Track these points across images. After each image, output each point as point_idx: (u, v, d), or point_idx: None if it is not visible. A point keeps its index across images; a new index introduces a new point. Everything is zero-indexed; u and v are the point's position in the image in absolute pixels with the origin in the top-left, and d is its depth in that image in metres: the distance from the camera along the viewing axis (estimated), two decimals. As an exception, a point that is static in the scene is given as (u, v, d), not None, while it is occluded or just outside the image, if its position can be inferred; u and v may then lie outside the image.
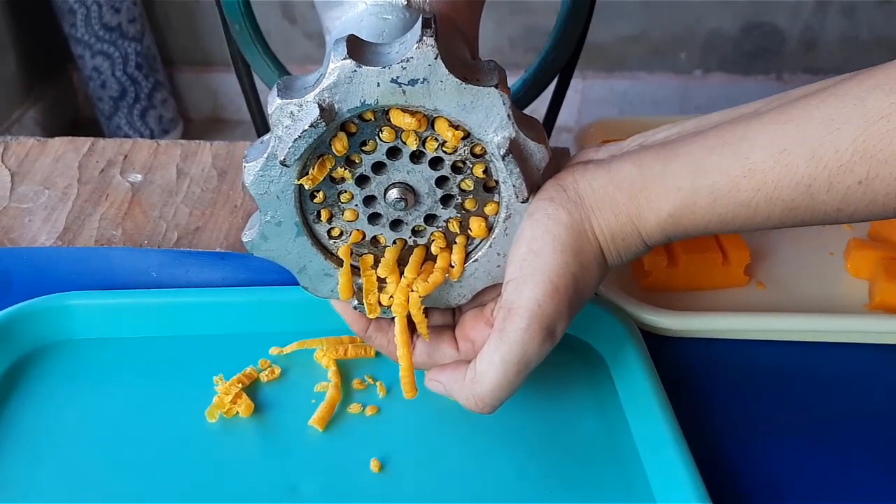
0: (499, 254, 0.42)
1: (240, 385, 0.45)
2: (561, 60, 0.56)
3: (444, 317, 0.45)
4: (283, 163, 0.39)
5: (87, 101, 2.05)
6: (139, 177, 0.64)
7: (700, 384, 0.47)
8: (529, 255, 0.38)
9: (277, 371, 0.47)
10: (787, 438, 0.44)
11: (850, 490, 0.42)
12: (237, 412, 0.44)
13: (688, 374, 0.48)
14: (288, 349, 0.48)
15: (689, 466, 0.40)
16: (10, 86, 1.90)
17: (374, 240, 0.44)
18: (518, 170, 0.39)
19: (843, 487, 0.42)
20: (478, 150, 0.41)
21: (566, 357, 0.48)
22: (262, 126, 0.85)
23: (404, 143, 0.40)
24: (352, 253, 0.44)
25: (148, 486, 0.40)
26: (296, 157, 0.39)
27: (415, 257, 0.43)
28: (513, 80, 0.50)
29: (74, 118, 2.12)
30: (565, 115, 1.15)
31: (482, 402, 0.39)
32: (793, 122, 0.34)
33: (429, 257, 0.44)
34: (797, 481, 0.42)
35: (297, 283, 0.44)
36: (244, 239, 0.42)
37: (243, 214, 0.60)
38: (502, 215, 0.42)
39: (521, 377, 0.39)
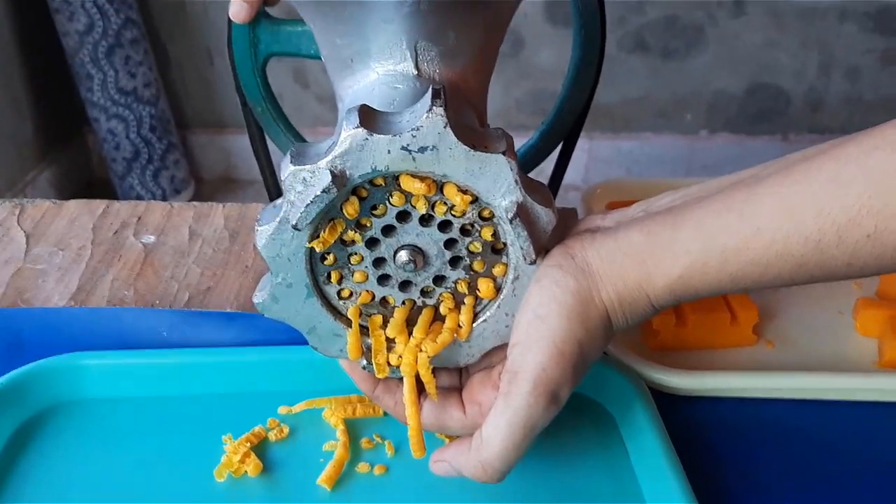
0: (507, 314, 0.43)
1: (248, 444, 0.45)
2: (567, 125, 0.57)
3: (452, 378, 0.45)
4: (294, 227, 0.40)
5: (101, 163, 2.08)
6: (152, 238, 0.65)
7: (710, 442, 0.47)
8: (536, 321, 0.39)
9: (286, 430, 0.47)
10: (797, 496, 0.44)
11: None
12: (245, 471, 0.44)
13: (698, 432, 0.47)
14: (297, 408, 0.48)
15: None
16: (27, 148, 1.94)
17: (384, 300, 0.44)
18: (525, 233, 0.40)
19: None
20: (486, 213, 0.41)
21: (575, 417, 0.48)
22: (273, 187, 0.86)
23: (414, 207, 0.41)
24: (361, 313, 0.44)
25: (155, 547, 0.40)
26: (307, 222, 0.40)
27: (423, 318, 0.44)
28: (520, 143, 0.51)
29: (89, 179, 2.15)
30: (572, 174, 1.16)
31: (490, 468, 0.39)
32: (798, 183, 0.35)
33: (437, 318, 0.44)
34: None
35: (306, 343, 0.45)
36: (255, 300, 0.43)
37: (254, 274, 0.61)
38: (510, 276, 0.42)
39: (528, 441, 0.39)
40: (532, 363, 0.38)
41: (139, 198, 2.03)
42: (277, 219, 0.40)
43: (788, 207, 0.35)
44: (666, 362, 0.50)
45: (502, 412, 0.39)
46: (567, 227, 0.42)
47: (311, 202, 0.39)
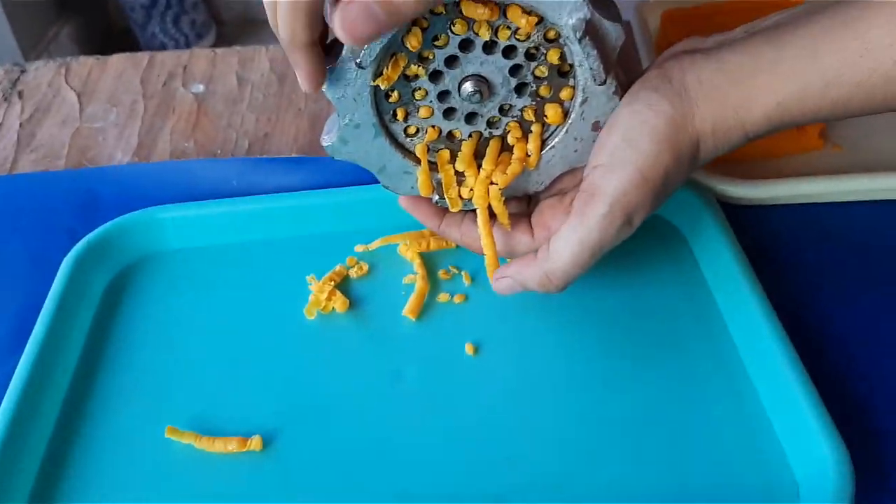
0: (576, 139, 0.43)
1: (332, 283, 0.47)
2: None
3: (520, 205, 0.46)
4: (358, 65, 0.39)
5: (120, 12, 2.04)
6: (201, 87, 0.65)
7: (782, 251, 0.47)
8: (623, 144, 0.38)
9: (365, 267, 0.49)
10: (873, 299, 0.45)
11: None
12: (333, 308, 0.46)
13: (769, 242, 0.48)
14: (373, 246, 0.49)
15: (778, 333, 0.41)
16: (43, 5, 1.90)
17: (450, 135, 0.44)
18: (595, 52, 0.39)
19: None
20: (551, 34, 0.40)
21: (645, 234, 0.49)
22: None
23: (476, 35, 0.40)
24: (428, 149, 0.44)
25: (259, 379, 0.43)
26: (371, 59, 0.39)
27: (491, 149, 0.44)
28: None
29: (109, 31, 2.11)
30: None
31: (554, 278, 0.40)
32: None
33: (505, 148, 0.44)
34: (886, 334, 0.43)
35: (374, 182, 0.45)
36: (324, 143, 0.43)
37: (308, 117, 0.61)
38: (578, 100, 0.42)
39: (594, 259, 0.40)
40: (613, 186, 0.38)
41: (162, 46, 2.00)
42: (340, 59, 0.40)
43: None
44: (733, 173, 0.50)
45: (574, 229, 0.39)
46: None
47: None
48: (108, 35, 2.11)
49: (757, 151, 0.51)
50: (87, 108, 0.64)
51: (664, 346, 0.43)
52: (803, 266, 0.47)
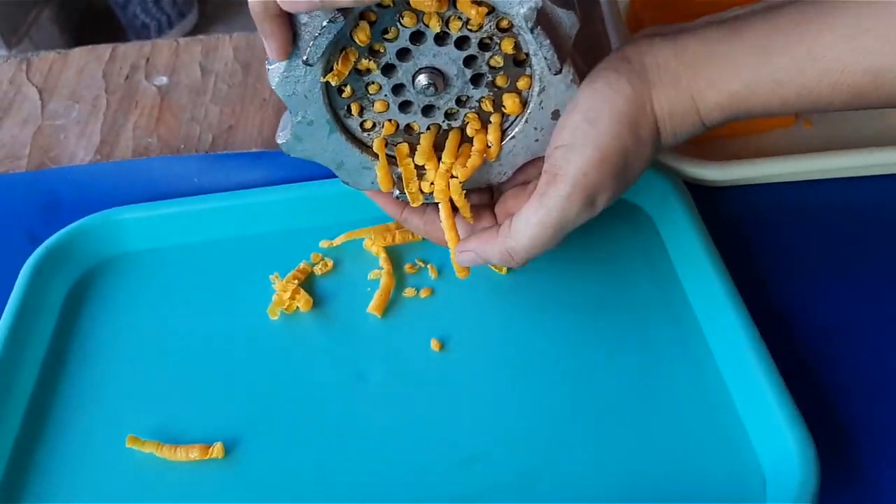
0: (536, 128, 0.42)
1: (296, 281, 0.46)
2: None
3: (483, 196, 0.45)
4: (305, 62, 0.38)
5: (100, -7, 2.00)
6: (164, 79, 0.64)
7: (751, 232, 0.47)
8: (583, 124, 0.38)
9: (330, 263, 0.48)
10: (844, 277, 0.44)
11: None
12: (297, 307, 0.45)
13: (738, 223, 0.47)
14: (337, 241, 0.49)
15: (745, 321, 0.40)
16: (22, -13, 1.87)
17: (408, 128, 0.43)
18: (548, 41, 0.38)
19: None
20: (504, 24, 0.39)
21: (613, 217, 0.48)
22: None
23: (427, 26, 0.39)
24: (386, 143, 0.43)
25: (221, 383, 0.42)
26: (318, 55, 0.38)
27: (451, 142, 0.43)
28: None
29: (90, 12, 2.08)
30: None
31: (515, 255, 0.40)
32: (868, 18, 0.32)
33: (465, 139, 0.43)
34: (857, 319, 0.42)
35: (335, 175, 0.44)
36: (279, 141, 0.42)
37: (273, 107, 0.60)
38: (536, 89, 0.41)
39: (556, 239, 0.39)
40: (574, 166, 0.38)
41: (144, 26, 1.97)
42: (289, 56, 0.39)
43: (853, 33, 0.33)
44: (701, 153, 0.49)
45: (535, 210, 0.39)
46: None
47: (319, 34, 0.37)
48: (89, 16, 2.08)
49: (727, 130, 0.50)
50: (48, 105, 0.63)
51: (632, 335, 0.43)
52: (773, 247, 0.46)
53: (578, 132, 0.38)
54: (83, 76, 0.65)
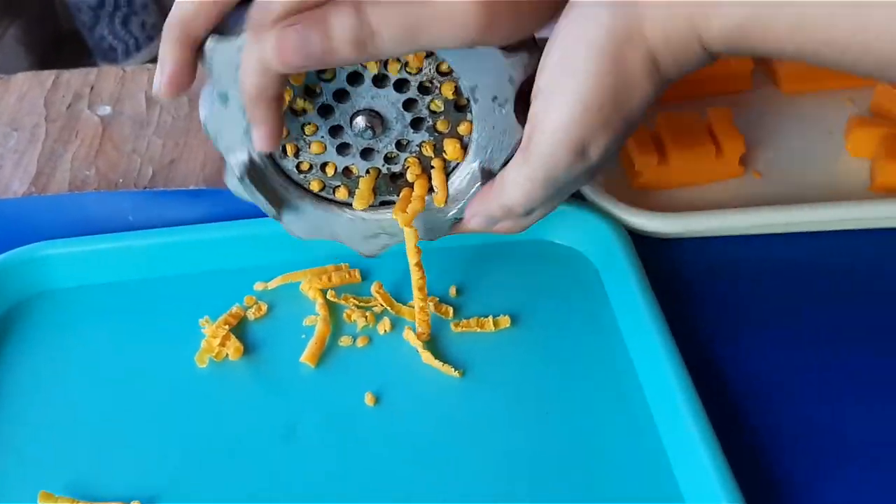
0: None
1: (227, 326, 0.44)
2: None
3: None
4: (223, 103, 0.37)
5: (67, 14, 1.98)
6: (108, 109, 0.62)
7: (694, 284, 0.46)
8: (560, 66, 0.34)
9: (264, 308, 0.46)
10: (793, 329, 0.43)
11: (853, 377, 0.41)
12: (227, 354, 0.44)
13: (685, 275, 0.46)
14: (272, 283, 0.47)
15: (680, 374, 0.39)
16: (-15, 5, 1.84)
17: (347, 171, 0.42)
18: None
19: (847, 372, 0.41)
20: (444, 67, 0.38)
21: (557, 265, 0.47)
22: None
23: (365, 68, 0.38)
24: (324, 186, 0.42)
25: (142, 436, 0.40)
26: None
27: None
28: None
29: (56, 33, 2.05)
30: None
31: (515, 211, 0.38)
32: None
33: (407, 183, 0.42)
34: (805, 373, 0.41)
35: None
36: (228, 184, 0.41)
37: (219, 141, 0.58)
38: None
39: (553, 194, 0.37)
40: (552, 121, 0.34)
41: (112, 48, 1.94)
42: (214, 100, 0.37)
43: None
44: (650, 203, 0.48)
45: (520, 166, 0.37)
46: None
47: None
48: (56, 37, 2.05)
49: (676, 180, 0.50)
50: (-14, 133, 0.61)
51: (570, 388, 0.41)
52: (718, 298, 0.45)
53: (555, 76, 0.34)
54: (24, 103, 0.63)
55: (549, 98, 0.34)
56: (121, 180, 0.56)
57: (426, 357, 0.43)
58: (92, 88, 0.64)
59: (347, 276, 0.47)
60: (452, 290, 0.46)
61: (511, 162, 0.38)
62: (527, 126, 0.36)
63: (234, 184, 0.41)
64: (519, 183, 0.37)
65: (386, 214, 0.42)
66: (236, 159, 0.39)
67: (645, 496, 0.37)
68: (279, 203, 0.41)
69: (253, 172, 0.40)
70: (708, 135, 0.50)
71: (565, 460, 0.38)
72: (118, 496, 0.38)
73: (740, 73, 0.55)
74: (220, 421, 0.41)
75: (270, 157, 0.41)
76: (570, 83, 0.33)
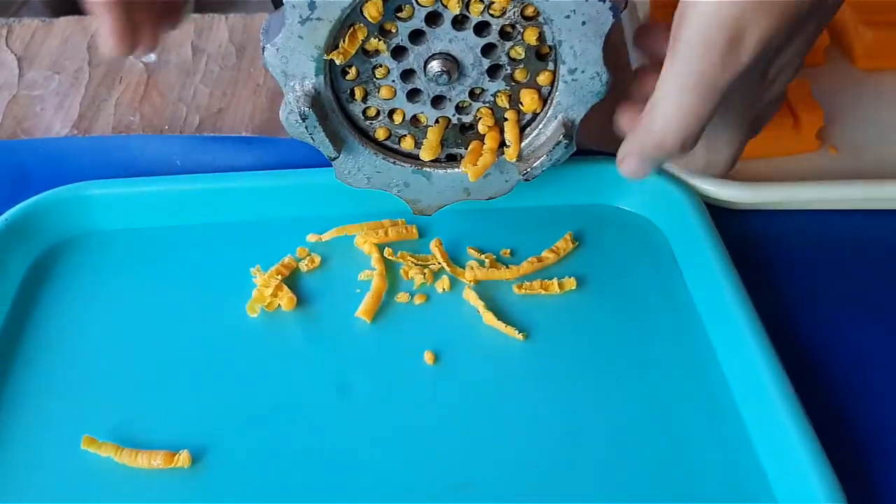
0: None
1: (279, 276, 0.43)
2: None
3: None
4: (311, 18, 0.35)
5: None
6: (153, 56, 0.60)
7: (771, 258, 0.44)
8: None
9: (317, 260, 0.44)
10: (861, 310, 0.41)
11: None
12: (279, 305, 0.42)
13: (757, 247, 0.44)
14: (326, 236, 0.45)
15: (763, 347, 0.37)
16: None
17: (415, 119, 0.40)
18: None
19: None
20: (530, 11, 0.36)
21: (625, 232, 0.45)
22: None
23: (445, 7, 0.36)
24: (390, 134, 0.40)
25: (191, 385, 0.38)
26: (327, 31, 0.35)
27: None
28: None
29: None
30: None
31: (669, 139, 0.33)
32: None
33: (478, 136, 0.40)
34: (875, 352, 0.39)
35: (330, 165, 0.41)
36: (283, 122, 0.39)
37: (267, 93, 0.56)
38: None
39: (709, 105, 0.32)
40: (699, 4, 0.30)
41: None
42: (285, 29, 0.35)
43: None
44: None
45: (665, 77, 0.32)
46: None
47: None
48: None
49: (751, 151, 0.47)
50: (26, 74, 0.59)
51: (640, 356, 0.39)
52: (791, 272, 0.43)
53: None
54: (67, 47, 0.61)
55: None
56: (167, 127, 0.54)
57: (488, 318, 0.41)
58: (136, 35, 0.62)
59: (405, 230, 0.45)
60: (505, 252, 0.44)
61: (659, 78, 0.33)
62: (672, 29, 0.32)
63: (293, 120, 0.38)
64: (671, 96, 0.32)
65: (451, 169, 0.40)
66: (302, 88, 0.37)
67: (725, 480, 0.35)
68: (339, 145, 0.39)
69: (318, 105, 0.38)
70: (787, 106, 0.48)
71: (637, 437, 0.36)
72: (164, 445, 0.36)
73: (816, 46, 0.53)
74: (272, 373, 0.39)
75: (337, 98, 0.39)
76: None
